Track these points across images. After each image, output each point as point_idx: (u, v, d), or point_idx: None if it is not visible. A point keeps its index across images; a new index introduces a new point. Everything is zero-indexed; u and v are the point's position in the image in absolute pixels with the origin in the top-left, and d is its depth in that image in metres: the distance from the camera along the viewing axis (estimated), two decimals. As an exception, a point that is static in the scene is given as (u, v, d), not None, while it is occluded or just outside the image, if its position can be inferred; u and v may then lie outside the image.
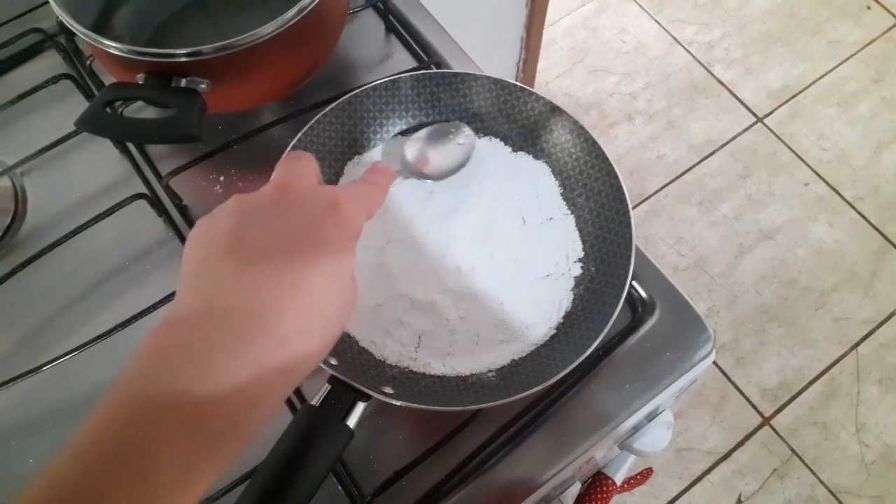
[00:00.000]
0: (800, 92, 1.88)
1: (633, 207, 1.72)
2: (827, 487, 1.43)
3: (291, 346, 0.33)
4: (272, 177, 0.40)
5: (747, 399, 1.52)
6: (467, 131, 0.62)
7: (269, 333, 0.32)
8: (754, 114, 1.84)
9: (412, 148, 0.60)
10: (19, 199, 0.65)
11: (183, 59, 0.54)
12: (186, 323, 0.32)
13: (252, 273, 0.33)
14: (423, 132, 0.61)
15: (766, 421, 1.50)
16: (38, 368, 0.56)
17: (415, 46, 0.72)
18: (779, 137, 1.81)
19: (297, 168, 0.40)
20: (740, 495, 1.44)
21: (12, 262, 0.60)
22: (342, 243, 0.37)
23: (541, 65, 1.67)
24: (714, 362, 1.50)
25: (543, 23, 1.49)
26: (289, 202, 0.37)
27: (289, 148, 0.58)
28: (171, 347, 0.31)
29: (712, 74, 1.91)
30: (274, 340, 0.32)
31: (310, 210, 0.36)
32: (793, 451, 1.47)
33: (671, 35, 1.97)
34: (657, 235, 1.69)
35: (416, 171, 0.58)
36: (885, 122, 1.83)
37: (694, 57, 1.93)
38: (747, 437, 1.49)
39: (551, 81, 1.91)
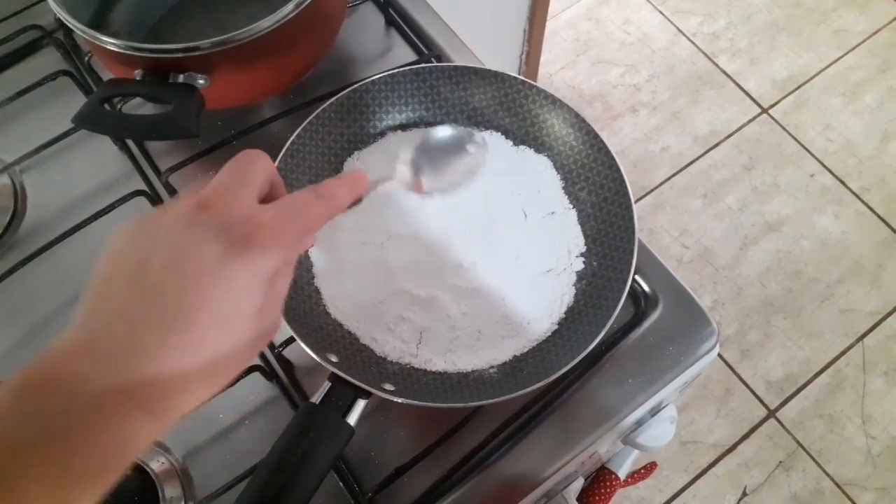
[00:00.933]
0: (805, 82, 1.86)
1: (638, 200, 1.71)
2: (833, 480, 1.43)
3: (169, 396, 0.31)
4: (213, 180, 0.36)
5: (752, 392, 1.51)
6: (478, 139, 0.55)
7: (142, 376, 0.30)
8: (759, 105, 1.83)
9: (407, 156, 0.51)
10: (19, 196, 0.65)
11: (180, 55, 0.53)
12: (63, 357, 0.30)
13: (142, 310, 0.31)
14: (425, 136, 0.53)
15: (771, 413, 1.49)
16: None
17: (415, 40, 0.72)
18: (784, 128, 1.80)
19: (239, 178, 0.36)
20: (745, 488, 1.43)
21: (12, 260, 0.60)
22: (249, 282, 0.32)
23: (544, 57, 1.66)
24: (719, 355, 1.50)
25: (546, 14, 1.48)
26: (200, 228, 0.32)
27: (287, 143, 0.57)
28: (42, 384, 0.29)
29: (717, 65, 1.89)
30: (152, 387, 0.30)
31: (218, 243, 0.32)
32: (798, 443, 1.46)
33: (675, 26, 1.95)
34: (662, 228, 1.69)
35: (409, 184, 0.51)
36: (891, 111, 1.81)
37: (698, 48, 1.92)
38: (753, 430, 1.48)
39: (555, 74, 1.90)
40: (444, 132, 0.54)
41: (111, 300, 0.31)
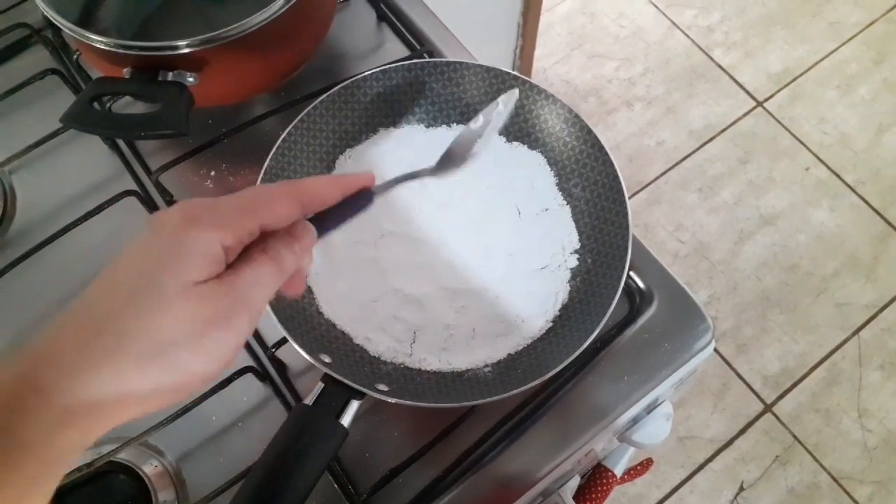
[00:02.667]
0: (800, 75, 1.86)
1: (633, 195, 1.71)
2: (829, 474, 1.43)
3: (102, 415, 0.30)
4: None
5: (749, 386, 1.51)
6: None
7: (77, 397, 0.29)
8: (754, 98, 1.83)
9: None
10: (8, 197, 0.65)
11: (169, 52, 0.53)
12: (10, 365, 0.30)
13: (86, 333, 0.30)
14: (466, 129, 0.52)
15: (768, 408, 1.49)
16: (29, 368, 0.55)
17: (407, 35, 0.71)
18: (779, 122, 1.79)
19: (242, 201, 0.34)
20: (743, 483, 1.43)
21: (2, 262, 0.59)
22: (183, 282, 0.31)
23: (538, 51, 1.65)
24: (715, 350, 1.50)
25: (540, 8, 1.47)
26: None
27: (278, 141, 0.57)
28: None
29: (711, 59, 1.89)
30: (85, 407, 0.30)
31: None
32: (795, 437, 1.46)
33: (670, 19, 1.95)
34: (657, 223, 1.68)
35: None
36: (886, 104, 1.81)
37: (693, 41, 1.91)
38: (749, 425, 1.48)
39: (549, 68, 1.89)
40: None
41: (72, 312, 0.31)
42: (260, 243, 0.35)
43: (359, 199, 0.41)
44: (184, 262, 0.31)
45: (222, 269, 0.33)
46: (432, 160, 0.61)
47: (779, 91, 1.84)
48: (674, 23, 1.94)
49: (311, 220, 0.38)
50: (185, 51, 0.53)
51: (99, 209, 0.61)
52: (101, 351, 0.30)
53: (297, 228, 0.36)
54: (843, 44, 1.90)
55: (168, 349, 0.30)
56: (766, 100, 1.82)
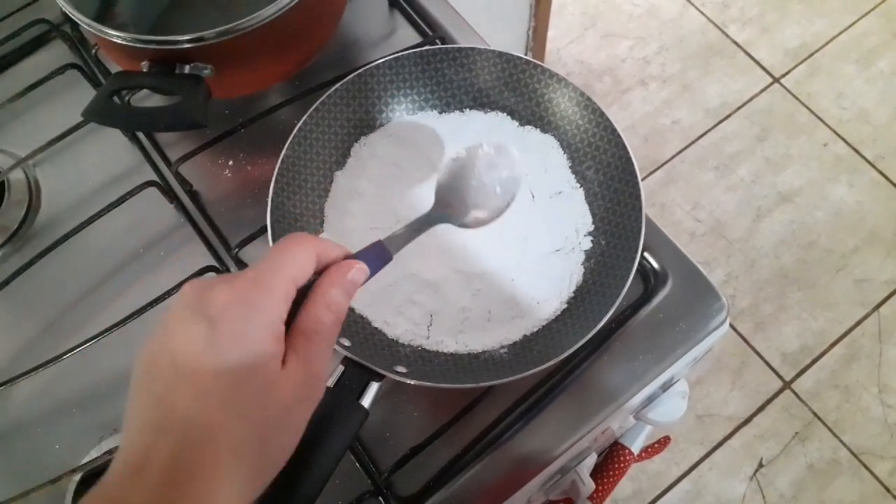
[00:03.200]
0: (817, 50, 1.84)
1: (649, 174, 1.71)
2: (849, 449, 1.43)
3: None
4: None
5: (767, 364, 1.51)
6: (513, 155, 0.56)
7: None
8: (771, 74, 1.81)
9: (443, 187, 0.55)
10: (33, 190, 0.66)
11: (185, 46, 0.54)
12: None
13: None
14: (450, 163, 0.55)
15: (786, 385, 1.49)
16: (59, 357, 0.57)
17: (419, 21, 0.72)
18: (796, 97, 1.78)
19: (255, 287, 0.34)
20: (762, 459, 1.44)
21: (29, 254, 0.61)
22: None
23: (551, 32, 1.65)
24: (734, 328, 1.50)
25: (552, -11, 1.46)
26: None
27: (294, 130, 0.58)
28: None
29: (727, 35, 1.87)
30: None
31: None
32: (814, 414, 1.46)
33: (684, -4, 1.93)
34: (674, 202, 1.68)
35: (448, 219, 0.53)
36: (906, 77, 1.79)
37: (708, 18, 1.89)
38: (768, 402, 1.48)
39: (563, 48, 1.88)
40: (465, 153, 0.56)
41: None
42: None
43: (376, 256, 0.42)
44: (262, 351, 0.32)
45: (284, 345, 0.34)
46: (446, 146, 0.62)
47: (796, 67, 1.82)
48: (688, 0, 1.92)
49: None
50: (202, 44, 0.53)
51: (121, 200, 0.62)
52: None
53: (329, 296, 0.36)
54: (862, 17, 1.87)
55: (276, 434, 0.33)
56: (783, 76, 1.81)
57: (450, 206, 0.53)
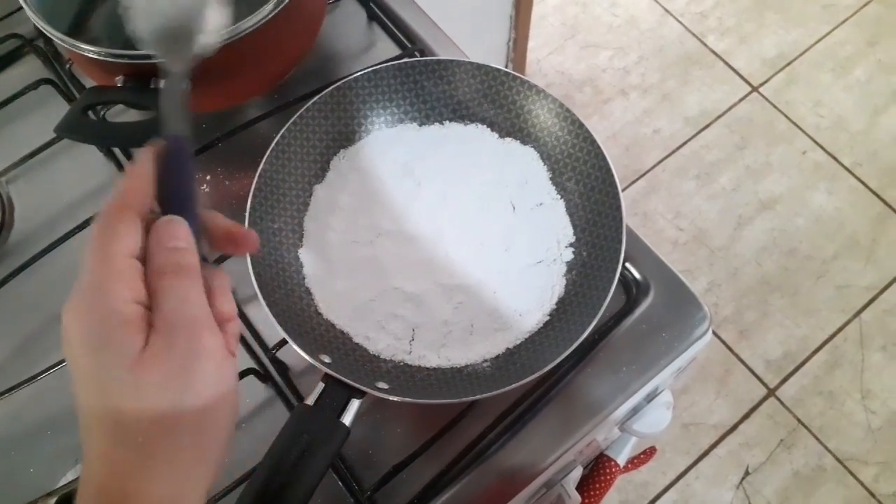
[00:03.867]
0: (795, 59, 1.86)
1: (631, 183, 1.71)
2: (834, 455, 1.44)
3: None
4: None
5: (752, 371, 1.52)
6: None
7: None
8: (749, 83, 1.83)
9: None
10: (6, 207, 0.65)
11: (160, 60, 0.53)
12: None
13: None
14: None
15: (771, 392, 1.50)
16: (33, 378, 0.56)
17: (398, 34, 0.71)
18: (775, 106, 1.79)
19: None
20: (748, 467, 1.44)
21: (1, 273, 0.60)
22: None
23: (532, 43, 1.65)
24: (717, 335, 1.51)
25: (532, 0, 1.47)
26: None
27: (273, 144, 0.57)
28: None
29: (705, 45, 1.89)
30: None
31: None
32: (799, 420, 1.47)
33: (662, 6, 1.94)
34: (656, 211, 1.69)
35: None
36: (881, 85, 1.81)
37: (686, 28, 1.91)
38: (753, 409, 1.49)
39: (543, 59, 1.89)
40: None
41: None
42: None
43: (176, 153, 0.36)
44: (114, 345, 0.30)
45: (145, 323, 0.31)
46: (426, 158, 0.61)
47: (774, 75, 1.84)
48: (666, 10, 1.94)
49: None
50: (177, 57, 0.53)
51: (97, 217, 0.61)
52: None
53: (162, 232, 0.33)
54: (837, 26, 1.90)
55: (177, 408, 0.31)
56: (762, 85, 1.82)
57: (164, 30, 0.42)
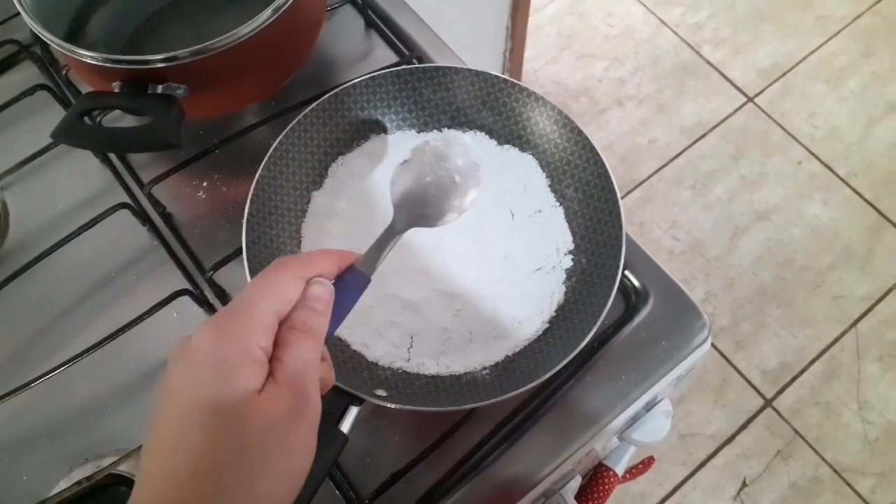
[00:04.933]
0: (789, 70, 1.87)
1: (627, 193, 1.71)
2: (831, 466, 1.43)
3: None
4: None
5: (748, 381, 1.51)
6: (465, 142, 0.54)
7: None
8: (745, 94, 1.83)
9: (397, 194, 0.51)
10: (1, 213, 0.65)
11: (158, 66, 0.53)
12: None
13: None
14: (399, 168, 0.53)
15: (768, 403, 1.50)
16: (28, 384, 0.55)
17: (395, 41, 0.71)
18: (770, 116, 1.80)
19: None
20: (745, 478, 1.43)
21: (-3, 278, 0.59)
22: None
23: (528, 53, 1.66)
24: (714, 346, 1.51)
25: (528, 10, 1.48)
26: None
27: (270, 150, 0.57)
28: None
29: (701, 56, 1.90)
30: None
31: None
32: (796, 431, 1.47)
33: (658, 17, 1.95)
34: (651, 220, 1.69)
35: (412, 223, 0.49)
36: (875, 96, 1.82)
37: (682, 39, 1.92)
38: (750, 420, 1.48)
39: (539, 69, 1.89)
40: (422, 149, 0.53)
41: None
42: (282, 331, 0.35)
43: (353, 284, 0.40)
44: (235, 379, 0.32)
45: (267, 371, 0.33)
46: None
47: (769, 86, 1.84)
48: (662, 21, 1.95)
49: None
50: (175, 63, 0.53)
51: (92, 223, 0.61)
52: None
53: (310, 292, 0.36)
54: (831, 38, 1.91)
55: (267, 470, 0.32)
56: (757, 95, 1.83)
57: (411, 211, 0.50)
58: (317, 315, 0.36)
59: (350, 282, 0.40)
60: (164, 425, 0.32)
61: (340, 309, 0.39)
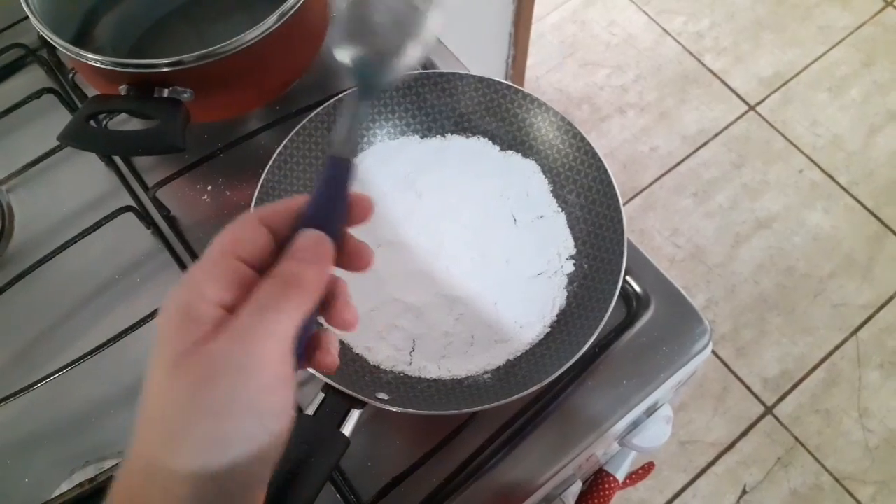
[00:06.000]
0: (791, 78, 1.87)
1: (628, 200, 1.72)
2: (832, 474, 1.43)
3: None
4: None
5: (749, 389, 1.51)
6: None
7: None
8: (746, 102, 1.84)
9: (341, 33, 0.38)
10: (6, 215, 0.65)
11: (164, 69, 0.53)
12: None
13: None
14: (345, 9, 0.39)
15: (768, 410, 1.49)
16: (30, 386, 0.55)
17: (400, 48, 0.72)
18: (771, 125, 1.81)
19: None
20: (745, 486, 1.43)
21: (1, 280, 0.59)
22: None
23: (530, 60, 1.66)
24: (715, 353, 1.51)
25: (531, 18, 1.48)
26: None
27: (274, 155, 0.57)
28: None
29: (703, 64, 1.90)
30: None
31: None
32: (796, 439, 1.46)
33: (660, 26, 1.96)
34: (653, 228, 1.69)
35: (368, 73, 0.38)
36: (876, 105, 1.83)
37: (684, 47, 1.93)
38: (750, 427, 1.48)
39: (542, 77, 1.90)
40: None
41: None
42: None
43: (336, 173, 0.34)
44: (171, 341, 0.29)
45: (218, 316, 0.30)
46: (427, 170, 0.61)
47: (770, 95, 1.85)
48: (664, 29, 1.96)
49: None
50: (181, 67, 0.53)
51: (97, 226, 0.61)
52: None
53: (295, 244, 0.32)
54: (833, 47, 1.92)
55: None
56: (758, 104, 1.84)
57: (365, 54, 0.38)
58: (304, 265, 0.32)
59: (332, 174, 0.34)
60: (147, 377, 0.30)
61: (335, 203, 0.34)
